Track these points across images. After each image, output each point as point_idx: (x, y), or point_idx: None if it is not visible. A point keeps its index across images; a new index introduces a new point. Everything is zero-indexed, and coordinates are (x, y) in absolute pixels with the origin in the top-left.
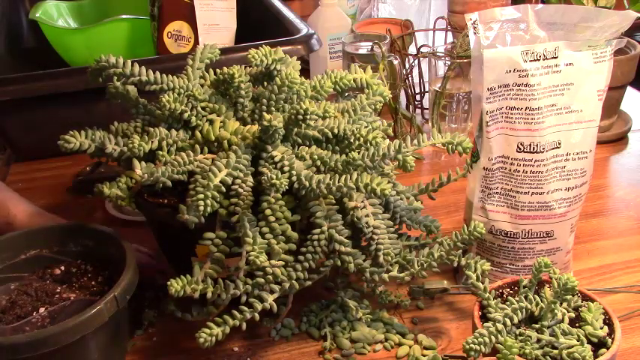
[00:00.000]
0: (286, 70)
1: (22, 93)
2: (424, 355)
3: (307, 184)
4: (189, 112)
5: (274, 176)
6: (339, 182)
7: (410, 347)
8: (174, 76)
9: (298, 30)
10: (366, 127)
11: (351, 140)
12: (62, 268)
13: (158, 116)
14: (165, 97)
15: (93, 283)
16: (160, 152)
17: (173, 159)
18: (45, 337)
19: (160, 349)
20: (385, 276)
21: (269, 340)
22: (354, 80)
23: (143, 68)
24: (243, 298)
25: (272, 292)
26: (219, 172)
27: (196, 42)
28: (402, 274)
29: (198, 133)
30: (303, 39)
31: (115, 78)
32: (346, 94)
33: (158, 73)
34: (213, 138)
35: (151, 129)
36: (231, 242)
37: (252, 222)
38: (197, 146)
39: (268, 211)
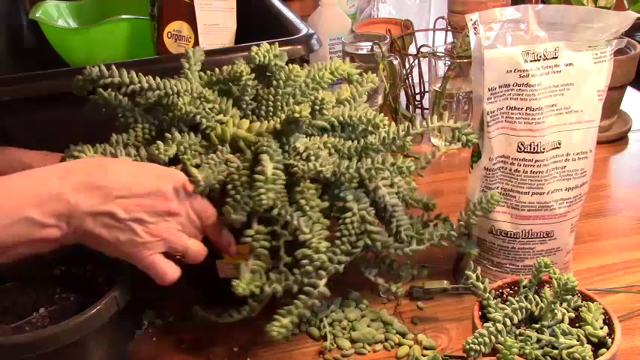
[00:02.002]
0: (282, 64)
1: (22, 93)
2: (424, 355)
3: (338, 170)
4: (202, 114)
5: (318, 165)
6: (367, 165)
7: (410, 347)
8: (176, 80)
9: (298, 30)
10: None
11: (357, 125)
12: (62, 268)
13: (165, 121)
14: (181, 101)
15: (93, 283)
16: (186, 156)
17: (205, 161)
18: (45, 337)
19: (160, 349)
20: (407, 250)
21: (269, 340)
22: (345, 71)
23: (141, 76)
24: (295, 288)
25: (320, 278)
26: (267, 164)
27: (196, 42)
28: (422, 246)
29: (212, 135)
30: (303, 39)
31: (109, 89)
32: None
33: (158, 79)
34: (229, 138)
35: (168, 134)
36: (269, 237)
37: (295, 213)
38: (222, 147)
39: (302, 201)
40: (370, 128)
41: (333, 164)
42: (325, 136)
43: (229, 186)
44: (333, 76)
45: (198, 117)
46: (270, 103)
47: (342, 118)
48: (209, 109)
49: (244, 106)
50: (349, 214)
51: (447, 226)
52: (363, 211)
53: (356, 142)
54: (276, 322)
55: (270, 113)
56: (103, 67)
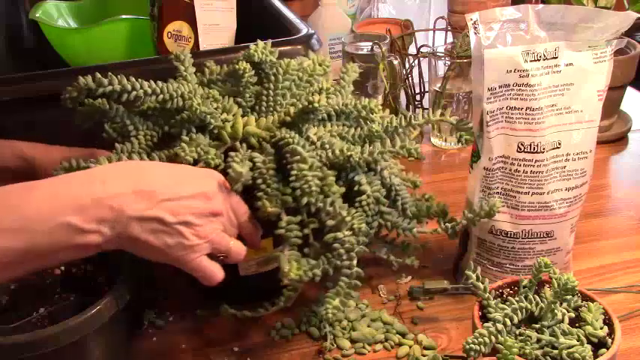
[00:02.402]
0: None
1: (22, 93)
2: (424, 355)
3: (355, 155)
4: (212, 114)
5: (346, 150)
6: (379, 149)
7: (410, 347)
8: (178, 83)
9: (298, 30)
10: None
11: (351, 113)
12: (62, 268)
13: (171, 125)
14: (195, 102)
15: (93, 283)
16: (209, 156)
17: (232, 159)
18: (45, 337)
19: (160, 349)
20: (415, 231)
21: (269, 340)
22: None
23: (142, 81)
24: (331, 271)
25: (351, 259)
26: (304, 153)
27: (196, 42)
28: (430, 230)
29: (224, 133)
30: (303, 39)
31: (99, 98)
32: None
33: (160, 83)
34: (241, 135)
35: (185, 137)
36: (297, 226)
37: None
38: (243, 144)
39: (325, 188)
40: (364, 114)
41: (347, 150)
42: (328, 125)
43: (259, 180)
44: (321, 68)
45: (208, 117)
46: (270, 98)
47: (337, 107)
48: (214, 108)
49: (244, 103)
50: (364, 196)
51: (439, 205)
52: (376, 192)
53: (359, 129)
54: (328, 305)
55: (271, 108)
56: (99, 76)
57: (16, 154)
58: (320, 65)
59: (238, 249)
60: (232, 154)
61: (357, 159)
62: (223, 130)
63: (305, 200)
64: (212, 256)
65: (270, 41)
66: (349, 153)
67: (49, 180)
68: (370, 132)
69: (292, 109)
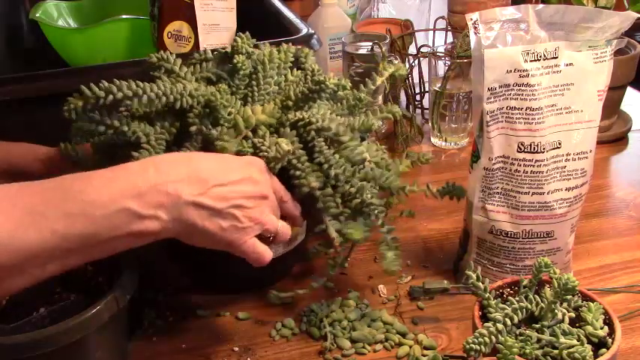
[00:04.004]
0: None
1: (22, 93)
2: (424, 355)
3: (375, 124)
4: (227, 107)
5: (368, 121)
6: (377, 115)
7: (410, 347)
8: (184, 82)
9: (298, 30)
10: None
11: (335, 90)
12: None
13: (191, 123)
14: (217, 97)
15: (93, 283)
16: (246, 146)
17: (262, 143)
18: (45, 337)
19: (160, 349)
20: (407, 189)
21: (269, 340)
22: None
23: (152, 85)
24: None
25: (378, 219)
26: (340, 128)
27: (196, 42)
28: (420, 189)
29: (240, 124)
30: (303, 39)
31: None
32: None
33: (167, 84)
34: (253, 124)
35: (215, 132)
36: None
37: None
38: (266, 132)
39: (342, 161)
40: (337, 91)
41: (350, 124)
42: (315, 105)
43: (294, 160)
44: (291, 55)
45: (222, 111)
46: (261, 87)
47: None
48: None
49: (238, 95)
50: (367, 162)
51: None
52: (375, 157)
53: (339, 104)
54: (388, 260)
55: (262, 96)
56: (106, 83)
57: (37, 158)
58: (290, 52)
59: (285, 229)
60: (257, 140)
61: (377, 127)
62: (238, 122)
63: (342, 170)
64: (260, 237)
65: (278, 44)
66: (371, 122)
67: (105, 170)
68: (358, 101)
69: (292, 93)
